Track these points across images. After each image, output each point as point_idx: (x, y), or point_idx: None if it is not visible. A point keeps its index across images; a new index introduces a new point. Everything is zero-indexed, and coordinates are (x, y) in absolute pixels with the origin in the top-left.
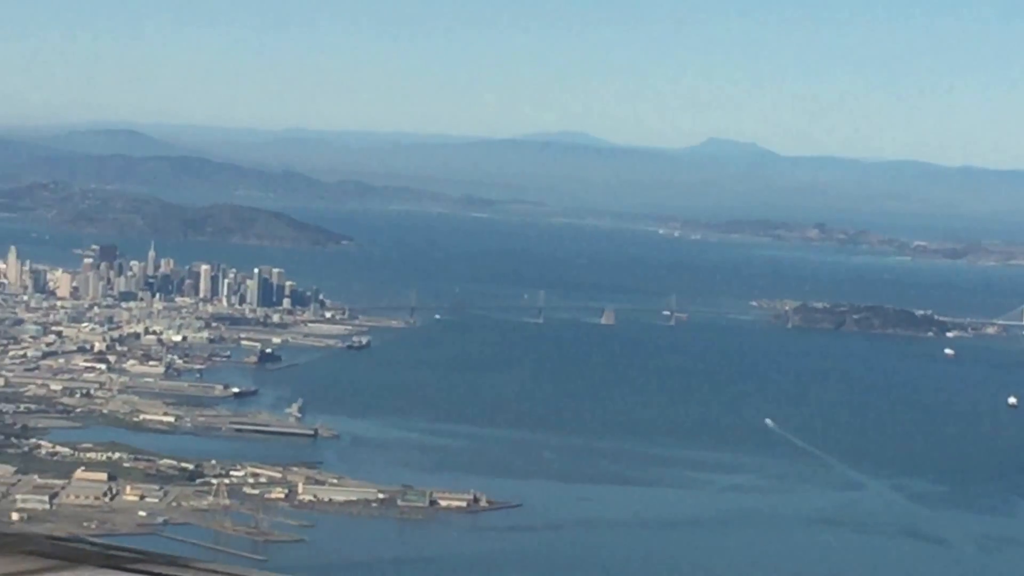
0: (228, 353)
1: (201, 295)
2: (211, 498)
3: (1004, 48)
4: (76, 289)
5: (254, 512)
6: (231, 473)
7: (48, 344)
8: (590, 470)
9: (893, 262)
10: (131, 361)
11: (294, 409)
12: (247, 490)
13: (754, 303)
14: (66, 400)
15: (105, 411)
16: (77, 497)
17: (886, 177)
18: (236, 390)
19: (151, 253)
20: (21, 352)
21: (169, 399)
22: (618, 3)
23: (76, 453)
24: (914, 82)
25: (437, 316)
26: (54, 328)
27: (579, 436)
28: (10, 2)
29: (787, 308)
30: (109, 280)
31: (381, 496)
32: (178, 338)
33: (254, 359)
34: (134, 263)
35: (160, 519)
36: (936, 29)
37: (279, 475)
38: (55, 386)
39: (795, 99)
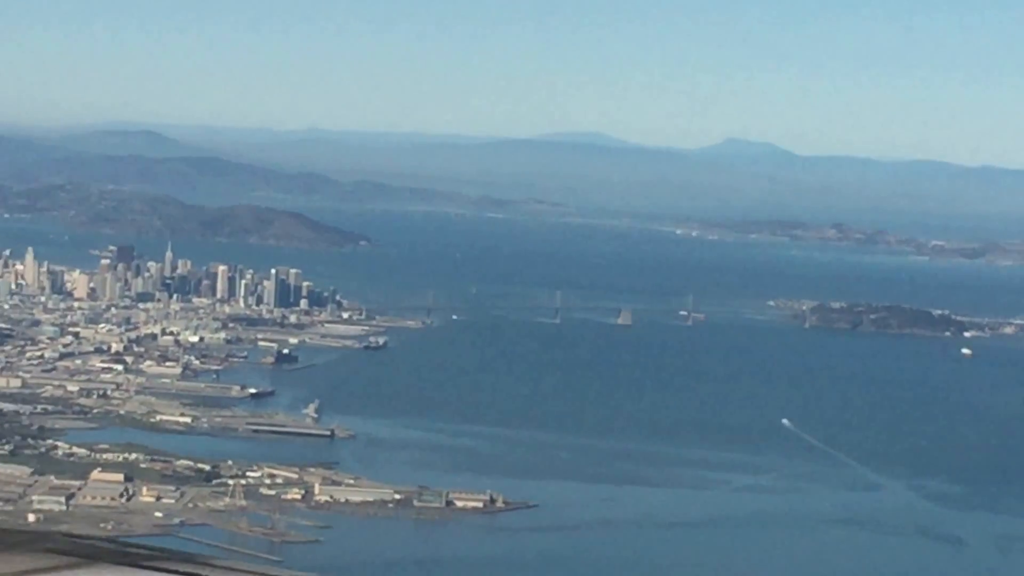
0: (245, 354)
1: (218, 296)
2: (227, 499)
3: None
4: (93, 290)
5: (270, 513)
6: (248, 474)
7: (65, 345)
8: (607, 470)
9: (911, 262)
10: (148, 362)
11: (311, 410)
12: (264, 491)
13: (771, 303)
14: (83, 401)
15: (122, 412)
16: (93, 498)
17: (904, 177)
18: (253, 391)
19: (168, 254)
20: (38, 353)
21: (186, 400)
22: (636, 3)
23: (93, 454)
24: (932, 82)
25: (454, 316)
26: (71, 329)
27: (596, 436)
28: (29, 3)
29: (804, 308)
30: (126, 281)
31: (397, 497)
32: (195, 339)
33: (271, 360)
34: (151, 264)
35: (176, 520)
36: (955, 28)
37: (296, 476)
38: (72, 387)
39: (813, 99)
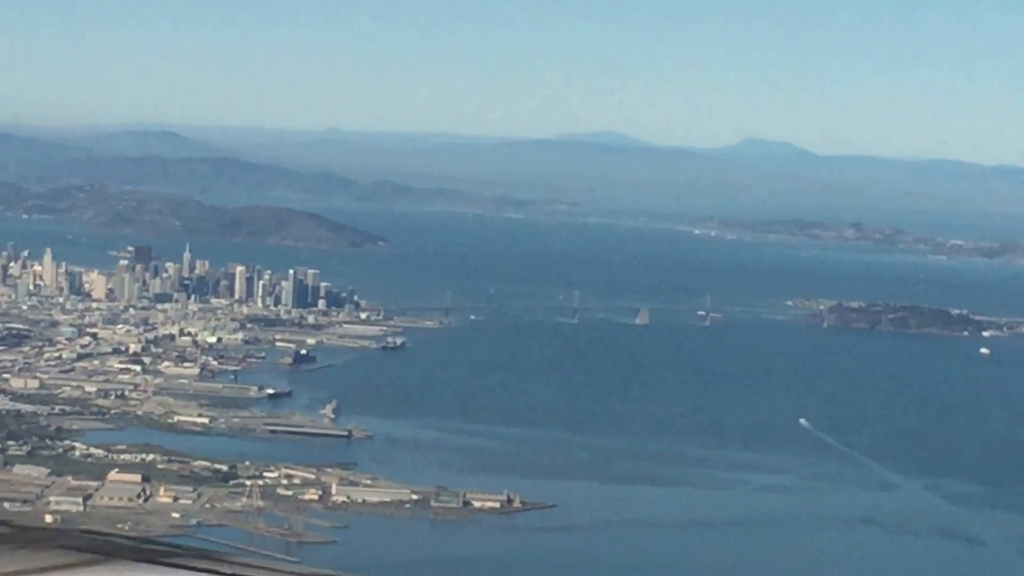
0: (263, 354)
1: (236, 296)
2: (245, 499)
3: None
4: (111, 291)
5: (288, 513)
6: (265, 474)
7: (83, 346)
8: (624, 470)
9: (929, 261)
10: (166, 363)
11: (328, 410)
12: (281, 491)
13: (789, 303)
14: (101, 402)
15: (140, 413)
16: (111, 499)
17: (922, 176)
18: (271, 391)
19: (186, 254)
20: (56, 354)
21: (204, 400)
22: (654, 2)
23: (110, 455)
24: (951, 81)
25: (472, 317)
26: (89, 330)
27: (613, 436)
28: (47, 5)
29: (822, 308)
30: (144, 282)
31: (415, 497)
32: (213, 339)
33: (289, 360)
34: (169, 264)
35: (193, 521)
36: (974, 27)
37: (313, 476)
38: (90, 388)
39: (831, 98)
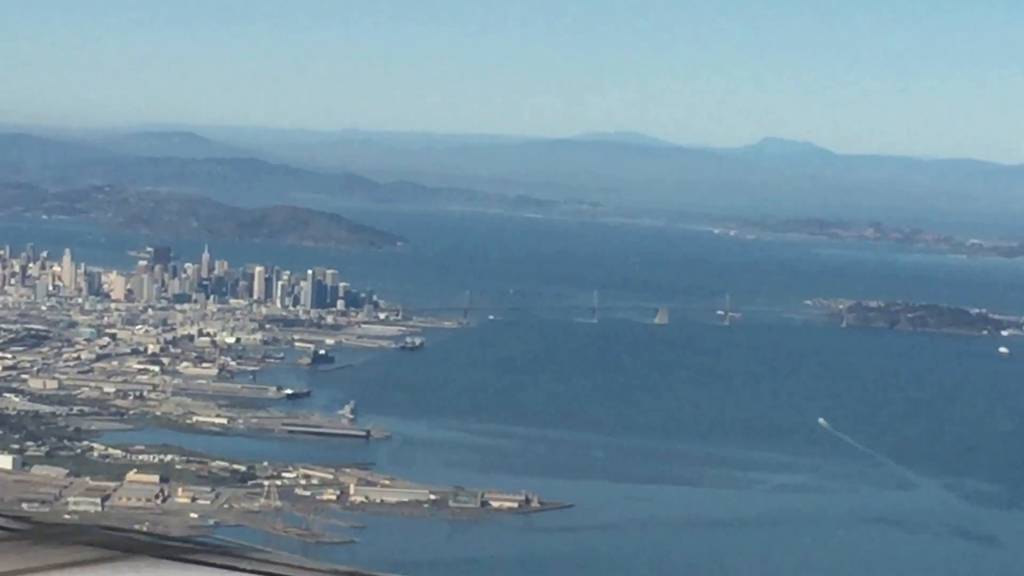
0: (281, 355)
1: (255, 297)
2: (263, 500)
3: None
4: (130, 291)
5: (305, 514)
6: (283, 475)
7: (102, 346)
8: (642, 470)
9: (948, 260)
10: (184, 363)
11: (347, 410)
12: (299, 492)
13: (808, 302)
14: (119, 402)
15: (158, 413)
16: (129, 499)
17: (942, 175)
18: (289, 392)
19: (205, 255)
20: (75, 355)
21: (222, 401)
22: (674, 2)
23: (128, 455)
24: (971, 80)
25: (491, 317)
26: (108, 330)
27: (631, 436)
28: (66, 5)
29: (841, 307)
30: (163, 282)
31: (433, 497)
32: (231, 340)
33: (307, 360)
34: (188, 265)
35: (211, 521)
36: (995, 26)
37: (331, 476)
38: (108, 388)
39: (851, 98)
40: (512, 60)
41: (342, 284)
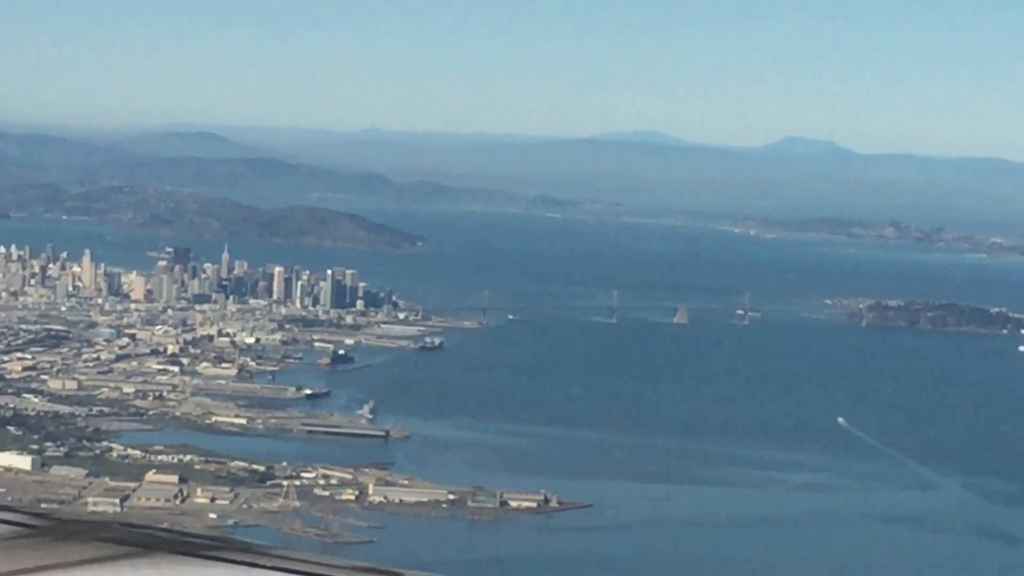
0: (301, 355)
1: (275, 297)
2: (281, 500)
3: None
4: (150, 292)
5: (324, 514)
6: (302, 475)
7: (121, 347)
8: (661, 470)
9: (968, 259)
10: (204, 363)
11: (366, 410)
12: (318, 492)
13: (828, 301)
14: (139, 403)
15: (177, 413)
16: (148, 500)
17: (963, 174)
18: (308, 392)
19: (225, 255)
20: (95, 355)
21: (241, 401)
22: (693, 2)
23: (147, 456)
24: (992, 78)
25: (510, 316)
26: (127, 331)
27: (650, 436)
28: (88, 5)
29: (861, 306)
30: (183, 283)
31: (451, 497)
32: (251, 340)
33: (327, 361)
34: (208, 265)
35: (230, 521)
36: (1014, 25)
37: (350, 476)
38: (128, 389)
39: (872, 96)
40: (532, 60)
41: (362, 284)
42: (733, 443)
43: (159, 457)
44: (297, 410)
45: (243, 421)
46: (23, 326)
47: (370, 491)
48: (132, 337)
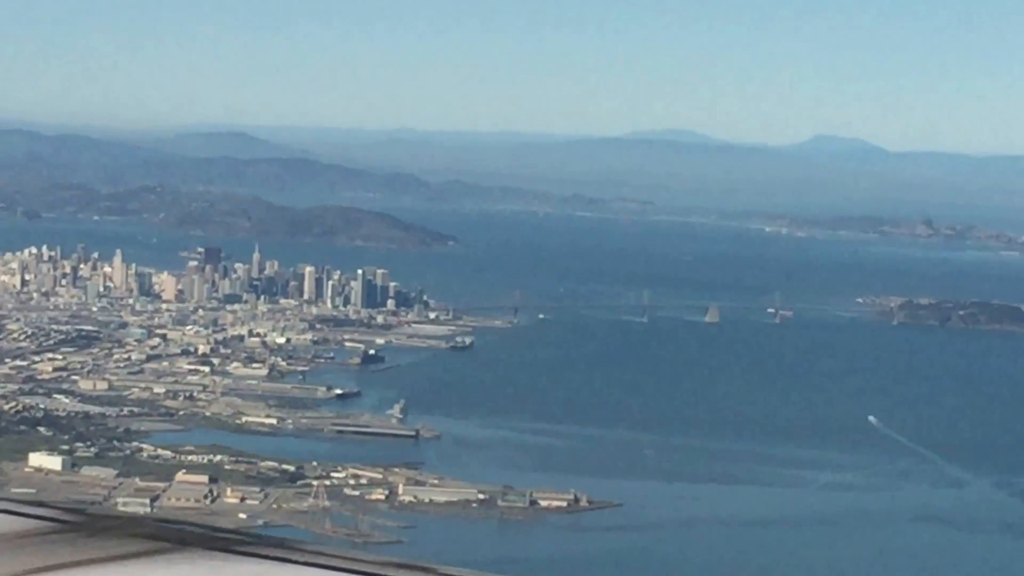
0: (331, 355)
1: (305, 297)
2: (311, 500)
3: None
4: (181, 292)
5: (354, 514)
6: (332, 475)
7: (152, 347)
8: (692, 469)
9: (1001, 257)
10: (234, 364)
11: (396, 410)
12: (347, 491)
13: (859, 300)
14: (169, 403)
15: (208, 414)
16: (178, 500)
17: (995, 171)
18: (339, 391)
19: (256, 255)
20: (125, 355)
21: (272, 401)
22: (723, 1)
23: (178, 456)
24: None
25: (541, 316)
26: (158, 331)
27: (681, 435)
28: (117, 7)
29: (892, 305)
30: (214, 283)
31: (481, 496)
32: (282, 340)
33: (357, 360)
34: (239, 265)
35: (260, 521)
36: None
37: (380, 476)
38: (158, 389)
39: (903, 94)
40: (562, 59)
41: (392, 284)
42: (763, 442)
43: (189, 457)
44: (327, 410)
45: (273, 421)
46: (54, 326)
47: (400, 491)
48: (163, 337)
